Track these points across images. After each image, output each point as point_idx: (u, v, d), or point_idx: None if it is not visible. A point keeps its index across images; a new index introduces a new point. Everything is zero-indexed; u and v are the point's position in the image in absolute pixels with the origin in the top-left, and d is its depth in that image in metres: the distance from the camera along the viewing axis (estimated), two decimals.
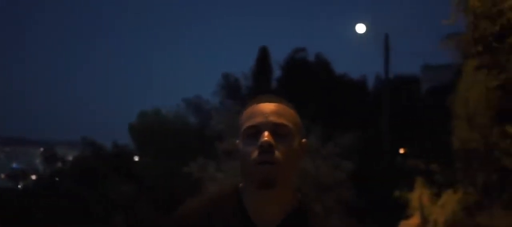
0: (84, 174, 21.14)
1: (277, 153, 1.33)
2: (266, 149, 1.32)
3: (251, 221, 1.37)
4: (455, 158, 7.05)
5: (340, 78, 20.29)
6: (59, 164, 24.02)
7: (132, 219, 18.78)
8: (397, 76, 19.31)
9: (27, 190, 23.04)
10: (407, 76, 20.51)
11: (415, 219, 8.39)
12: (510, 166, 6.00)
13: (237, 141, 1.43)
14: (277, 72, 20.95)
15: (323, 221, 1.43)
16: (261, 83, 19.35)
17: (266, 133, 1.34)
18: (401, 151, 17.39)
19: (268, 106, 1.40)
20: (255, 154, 1.33)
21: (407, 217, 8.64)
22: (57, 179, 22.47)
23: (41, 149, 32.80)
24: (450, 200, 7.39)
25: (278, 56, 21.28)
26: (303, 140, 1.44)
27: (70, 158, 25.25)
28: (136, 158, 23.83)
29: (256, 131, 1.36)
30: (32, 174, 25.39)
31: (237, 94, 20.83)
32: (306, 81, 18.85)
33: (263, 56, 20.98)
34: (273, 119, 1.37)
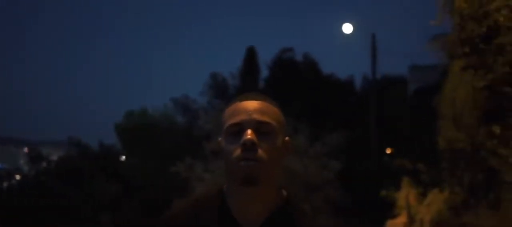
0: (70, 174, 20.98)
1: (260, 151, 1.31)
2: (249, 147, 1.30)
3: (235, 220, 1.36)
4: (441, 158, 7.08)
5: (327, 78, 20.36)
6: (44, 164, 23.77)
7: (119, 219, 18.69)
8: (384, 77, 19.41)
9: (12, 190, 22.77)
10: (395, 77, 20.63)
11: (402, 218, 8.44)
12: (496, 166, 6.03)
13: (220, 139, 1.41)
14: (264, 72, 21.06)
15: (311, 220, 1.41)
16: (249, 83, 19.34)
17: (249, 131, 1.32)
18: (388, 151, 17.49)
19: (251, 104, 1.38)
20: (237, 151, 1.32)
21: (394, 216, 8.70)
22: (42, 179, 22.26)
23: (25, 149, 32.38)
24: (436, 200, 7.44)
25: (265, 56, 21.37)
26: (287, 138, 1.42)
27: (55, 158, 24.96)
28: (123, 158, 23.71)
29: (239, 128, 1.34)
30: (17, 174, 25.03)
31: (225, 94, 20.83)
32: (294, 81, 18.89)
33: (251, 56, 21.01)
34: (256, 116, 1.35)
